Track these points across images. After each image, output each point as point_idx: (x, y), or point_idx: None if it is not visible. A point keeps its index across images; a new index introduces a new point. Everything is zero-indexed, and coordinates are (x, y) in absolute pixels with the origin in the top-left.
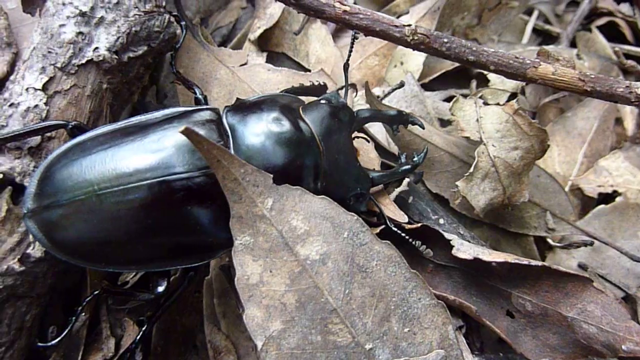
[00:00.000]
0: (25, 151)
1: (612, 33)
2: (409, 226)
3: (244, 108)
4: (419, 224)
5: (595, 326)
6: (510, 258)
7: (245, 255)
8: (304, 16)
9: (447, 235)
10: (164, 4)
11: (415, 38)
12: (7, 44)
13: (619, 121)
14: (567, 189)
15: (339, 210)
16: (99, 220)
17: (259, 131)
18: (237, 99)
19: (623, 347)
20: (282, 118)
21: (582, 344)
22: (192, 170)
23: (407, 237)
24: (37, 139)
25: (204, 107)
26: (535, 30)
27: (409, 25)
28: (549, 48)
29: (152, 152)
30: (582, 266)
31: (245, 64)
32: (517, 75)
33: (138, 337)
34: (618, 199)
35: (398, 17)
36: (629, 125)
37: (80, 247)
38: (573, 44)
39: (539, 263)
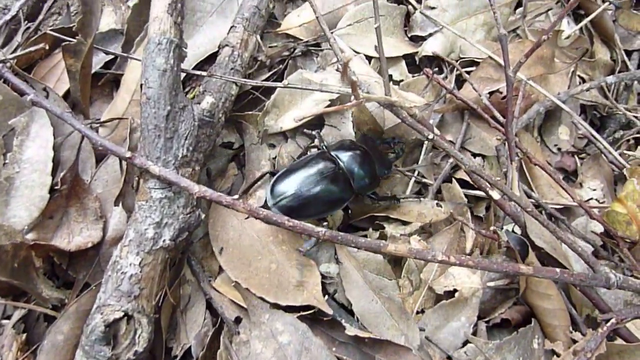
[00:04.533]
0: None
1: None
2: None
3: None
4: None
5: None
6: (372, 335)
7: (255, 340)
8: None
9: (345, 324)
10: (195, 204)
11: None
12: (100, 217)
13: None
14: (425, 288)
15: (298, 322)
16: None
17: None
18: None
19: None
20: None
21: None
22: None
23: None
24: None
25: None
26: (416, 182)
27: None
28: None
29: None
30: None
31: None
32: (377, 252)
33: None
34: (457, 294)
35: None
36: (468, 245)
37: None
38: (439, 191)
39: (385, 339)
